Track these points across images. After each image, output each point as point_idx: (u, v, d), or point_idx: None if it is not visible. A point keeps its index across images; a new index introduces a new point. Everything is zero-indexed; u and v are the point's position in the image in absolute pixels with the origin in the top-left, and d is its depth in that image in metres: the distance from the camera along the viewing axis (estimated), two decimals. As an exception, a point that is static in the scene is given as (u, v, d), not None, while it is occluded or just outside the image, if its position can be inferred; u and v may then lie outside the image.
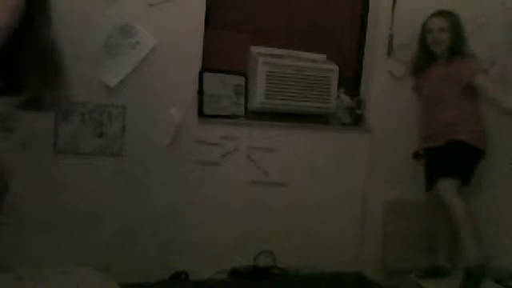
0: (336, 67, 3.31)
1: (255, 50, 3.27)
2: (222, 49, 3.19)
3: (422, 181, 3.42)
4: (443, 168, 3.20)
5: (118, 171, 2.92)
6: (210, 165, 3.10)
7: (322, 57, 3.43)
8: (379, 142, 3.46)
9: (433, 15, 3.33)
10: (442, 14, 3.31)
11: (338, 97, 3.40)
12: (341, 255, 3.46)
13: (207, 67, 3.09)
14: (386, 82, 3.47)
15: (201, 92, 3.07)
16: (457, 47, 3.25)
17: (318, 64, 3.32)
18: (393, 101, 3.45)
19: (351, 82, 3.55)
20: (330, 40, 3.51)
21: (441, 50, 3.27)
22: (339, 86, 3.36)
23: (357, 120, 3.48)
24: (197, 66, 3.05)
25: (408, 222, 3.54)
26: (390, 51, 3.44)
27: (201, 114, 3.07)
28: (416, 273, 3.41)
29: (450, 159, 3.20)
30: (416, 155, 3.50)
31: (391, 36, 3.42)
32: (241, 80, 3.20)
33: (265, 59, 3.16)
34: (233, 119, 3.17)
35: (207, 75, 3.09)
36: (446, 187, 3.15)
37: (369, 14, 3.54)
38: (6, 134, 2.60)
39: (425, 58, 3.35)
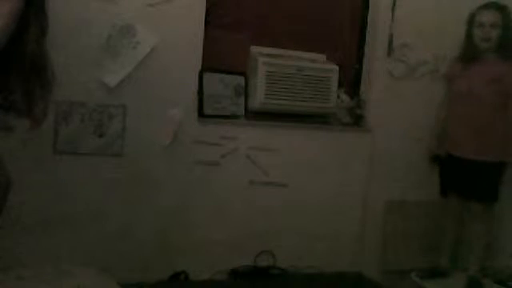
0: (336, 67, 3.31)
1: (255, 49, 3.27)
2: (222, 49, 3.19)
3: (423, 181, 3.41)
4: (479, 192, 3.15)
5: (118, 171, 2.92)
6: (210, 165, 3.10)
7: (322, 57, 3.43)
8: (379, 141, 3.45)
9: (484, 7, 3.14)
10: (494, 7, 3.12)
11: (338, 97, 3.40)
12: (340, 255, 3.46)
13: (207, 67, 3.09)
14: (386, 82, 3.46)
15: (201, 92, 3.07)
16: (508, 47, 3.09)
17: (318, 64, 3.32)
18: (393, 101, 3.45)
19: (351, 82, 3.55)
20: (330, 40, 3.51)
21: (489, 47, 3.11)
22: (339, 86, 3.36)
23: (357, 120, 3.47)
24: (197, 66, 3.05)
25: (408, 222, 3.54)
26: (389, 51, 3.44)
27: (201, 114, 3.07)
28: (416, 273, 3.42)
29: (486, 183, 3.13)
30: (435, 159, 3.37)
31: (391, 36, 3.42)
32: (241, 80, 3.20)
33: (265, 59, 3.15)
34: (233, 119, 3.17)
35: (207, 75, 3.09)
36: (482, 212, 3.18)
37: (369, 14, 3.53)
38: (6, 133, 2.60)
39: (470, 52, 3.19)
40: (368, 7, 3.53)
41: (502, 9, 3.11)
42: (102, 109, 2.86)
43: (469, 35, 3.20)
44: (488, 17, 3.10)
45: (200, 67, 3.06)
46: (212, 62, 3.11)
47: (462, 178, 3.22)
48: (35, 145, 2.72)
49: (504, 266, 3.52)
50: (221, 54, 3.18)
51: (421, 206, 3.52)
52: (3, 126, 2.51)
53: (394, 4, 3.40)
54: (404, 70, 3.47)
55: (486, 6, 3.14)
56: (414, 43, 3.44)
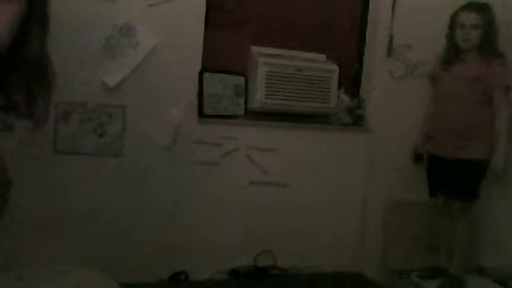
0: (336, 67, 3.31)
1: (255, 50, 3.27)
2: (222, 49, 3.19)
3: (423, 181, 3.41)
4: (457, 190, 3.15)
5: (118, 171, 2.92)
6: (210, 165, 3.10)
7: (322, 57, 3.43)
8: (379, 141, 3.45)
9: (465, 8, 3.12)
10: (475, 7, 3.09)
11: (338, 97, 3.40)
12: (341, 255, 3.46)
13: (207, 67, 3.09)
14: (385, 82, 3.46)
15: (201, 92, 3.07)
16: (489, 46, 3.08)
17: (318, 64, 3.32)
18: (393, 101, 3.45)
19: (351, 82, 3.55)
20: (330, 40, 3.51)
21: (470, 47, 3.11)
22: (339, 86, 3.36)
23: (357, 120, 3.47)
24: (197, 66, 3.05)
25: (408, 222, 3.54)
26: (389, 51, 3.43)
27: (201, 114, 3.07)
28: (416, 273, 3.41)
29: (465, 181, 3.13)
30: (418, 158, 3.39)
31: (391, 36, 3.42)
32: (241, 80, 3.20)
33: (265, 59, 3.16)
34: (233, 119, 3.17)
35: (207, 75, 3.09)
36: (461, 210, 3.17)
37: (369, 14, 3.53)
38: (7, 133, 2.61)
39: (452, 52, 3.19)
40: (368, 7, 3.53)
41: (482, 9, 3.11)
42: (102, 109, 2.86)
43: (450, 36, 3.21)
44: (468, 18, 3.09)
45: (200, 67, 3.06)
46: (212, 62, 3.11)
47: (444, 177, 3.22)
48: (35, 145, 2.72)
49: (504, 266, 3.51)
50: (221, 54, 3.18)
51: (421, 206, 3.51)
52: (4, 126, 2.51)
53: (394, 4, 3.40)
54: (404, 70, 3.47)
55: (466, 7, 3.13)
56: (414, 43, 3.44)
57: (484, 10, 3.11)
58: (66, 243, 2.83)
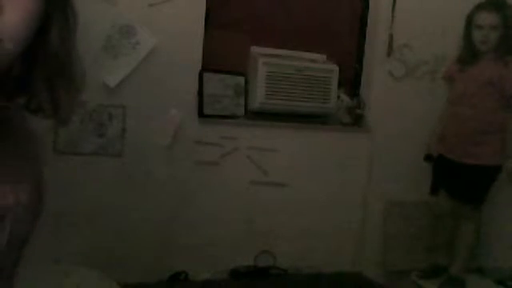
0: (336, 67, 3.31)
1: (255, 50, 3.27)
2: (222, 49, 3.19)
3: (423, 182, 3.41)
4: (466, 194, 3.14)
5: (118, 171, 2.92)
6: (210, 165, 3.10)
7: (322, 57, 3.42)
8: (379, 141, 3.45)
9: (483, 7, 3.01)
10: (494, 6, 2.98)
11: (338, 97, 3.40)
12: (341, 255, 3.46)
13: (207, 67, 3.09)
14: (386, 82, 3.46)
15: (201, 92, 3.07)
16: (507, 46, 2.99)
17: (318, 64, 3.32)
18: (393, 101, 3.45)
19: (351, 81, 3.55)
20: (330, 40, 3.51)
21: (488, 49, 3.01)
22: (339, 86, 3.36)
23: (357, 120, 3.47)
24: (197, 66, 3.05)
25: (408, 222, 3.54)
26: (390, 51, 3.43)
27: (201, 114, 3.07)
28: (416, 273, 3.41)
29: (474, 186, 3.10)
30: (428, 158, 3.35)
31: (391, 36, 3.42)
32: (241, 80, 3.20)
33: (265, 59, 3.15)
34: (233, 119, 3.17)
35: (207, 75, 3.09)
36: (469, 214, 3.18)
37: (369, 14, 3.53)
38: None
39: (469, 54, 3.11)
40: (368, 7, 3.53)
41: (501, 7, 3.01)
42: (102, 109, 2.86)
43: (467, 36, 3.12)
44: (487, 18, 3.00)
45: (200, 67, 3.06)
46: (212, 62, 3.11)
47: (450, 178, 3.21)
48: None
49: (504, 266, 3.52)
50: (221, 53, 3.18)
51: (421, 205, 3.51)
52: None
53: (394, 4, 3.40)
54: (404, 70, 3.47)
55: (484, 7, 3.04)
56: (414, 43, 3.44)
57: (502, 8, 3.00)
58: (65, 243, 2.83)
